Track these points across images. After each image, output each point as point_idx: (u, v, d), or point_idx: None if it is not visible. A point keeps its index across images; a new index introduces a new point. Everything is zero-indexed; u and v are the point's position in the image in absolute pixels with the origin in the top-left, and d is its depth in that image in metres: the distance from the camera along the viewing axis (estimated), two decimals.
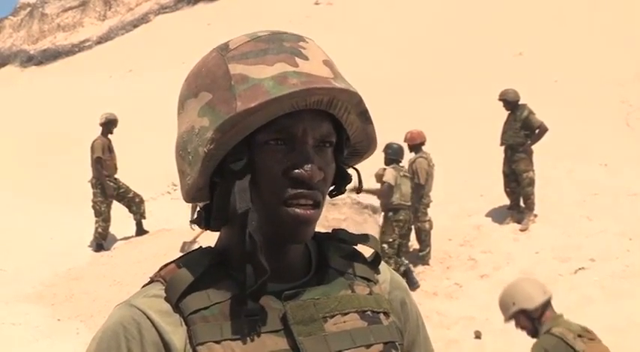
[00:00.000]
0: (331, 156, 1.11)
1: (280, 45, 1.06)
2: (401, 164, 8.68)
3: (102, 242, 10.43)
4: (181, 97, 1.13)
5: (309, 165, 1.05)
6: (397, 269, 8.29)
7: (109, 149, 10.24)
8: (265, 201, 1.06)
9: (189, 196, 1.12)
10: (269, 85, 1.01)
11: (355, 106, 1.10)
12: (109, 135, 10.36)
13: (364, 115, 1.13)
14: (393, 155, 8.58)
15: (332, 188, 1.18)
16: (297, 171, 1.05)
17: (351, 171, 1.20)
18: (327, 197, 1.16)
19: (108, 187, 10.19)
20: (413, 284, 8.22)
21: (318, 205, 1.08)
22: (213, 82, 1.06)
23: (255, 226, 1.05)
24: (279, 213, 1.06)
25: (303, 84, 1.02)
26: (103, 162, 10.08)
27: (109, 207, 10.38)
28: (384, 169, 8.54)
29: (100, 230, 10.39)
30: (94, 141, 10.27)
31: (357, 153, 1.20)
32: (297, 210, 1.06)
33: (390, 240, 8.38)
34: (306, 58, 1.05)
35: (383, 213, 8.59)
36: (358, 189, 1.21)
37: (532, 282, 4.02)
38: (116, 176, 10.47)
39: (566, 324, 3.75)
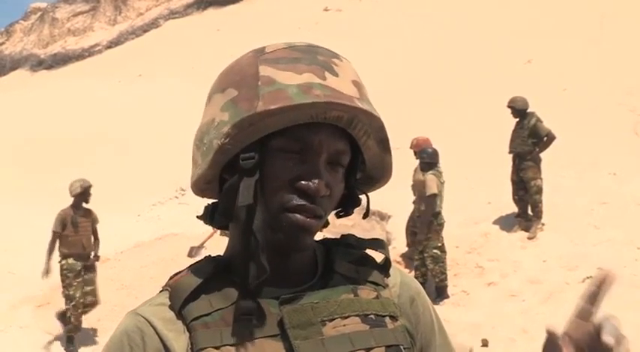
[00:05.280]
0: (342, 177, 1.12)
1: (314, 57, 1.08)
2: (438, 166, 8.61)
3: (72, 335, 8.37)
4: (210, 91, 1.15)
5: (317, 179, 1.06)
6: (442, 274, 8.33)
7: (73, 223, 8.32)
8: (268, 205, 1.07)
9: (197, 187, 1.15)
10: (293, 91, 1.03)
11: (376, 131, 1.12)
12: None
13: (384, 143, 1.15)
14: (429, 159, 8.48)
15: (339, 209, 1.19)
16: (303, 182, 1.06)
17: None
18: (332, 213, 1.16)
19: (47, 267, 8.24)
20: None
21: (319, 218, 1.09)
22: (241, 79, 1.08)
23: (259, 225, 1.06)
24: (279, 218, 1.07)
25: (326, 97, 1.03)
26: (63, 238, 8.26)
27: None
28: (423, 174, 8.47)
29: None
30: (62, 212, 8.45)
31: (370, 180, 1.22)
32: (298, 216, 1.07)
33: (439, 244, 8.39)
34: (335, 74, 1.07)
35: (425, 220, 8.45)
36: (365, 215, 1.22)
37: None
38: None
39: None
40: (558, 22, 18.19)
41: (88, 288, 8.24)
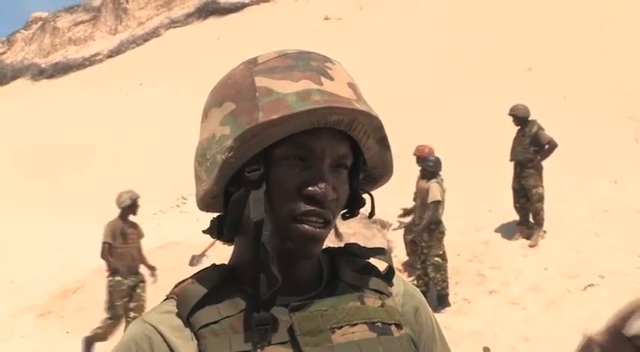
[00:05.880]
0: (346, 178, 1.13)
1: (307, 63, 1.08)
2: (440, 175, 8.63)
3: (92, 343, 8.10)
4: (206, 107, 1.15)
5: (323, 184, 1.07)
6: (444, 282, 8.33)
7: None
8: (277, 214, 1.08)
9: (203, 203, 1.15)
10: (292, 99, 1.03)
11: (375, 131, 1.13)
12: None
13: (383, 142, 1.15)
14: (433, 168, 8.51)
15: (345, 210, 1.19)
16: (310, 188, 1.07)
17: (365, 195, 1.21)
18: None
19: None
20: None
21: (328, 224, 1.10)
22: (238, 92, 1.08)
23: (268, 235, 1.06)
24: (289, 227, 1.08)
25: (326, 102, 1.04)
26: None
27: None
28: (426, 182, 8.47)
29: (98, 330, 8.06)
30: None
31: (372, 179, 1.22)
32: (307, 227, 1.07)
33: (441, 252, 8.38)
34: (331, 78, 1.07)
35: (427, 228, 8.44)
36: (370, 214, 1.23)
37: None
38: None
39: None
40: (558, 30, 18.22)
41: (133, 305, 8.00)
